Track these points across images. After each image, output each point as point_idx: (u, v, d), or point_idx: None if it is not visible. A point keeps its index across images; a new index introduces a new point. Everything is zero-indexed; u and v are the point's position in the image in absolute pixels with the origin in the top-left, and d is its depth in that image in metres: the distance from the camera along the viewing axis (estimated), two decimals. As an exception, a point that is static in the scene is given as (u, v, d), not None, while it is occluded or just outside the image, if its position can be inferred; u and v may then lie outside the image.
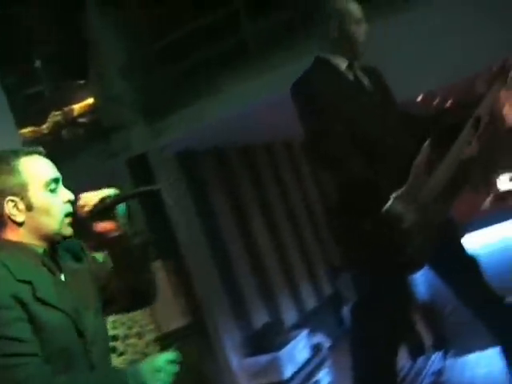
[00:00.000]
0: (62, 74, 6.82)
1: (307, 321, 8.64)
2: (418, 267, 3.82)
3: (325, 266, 9.97)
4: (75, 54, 6.65)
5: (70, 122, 7.12)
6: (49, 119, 7.19)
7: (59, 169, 2.24)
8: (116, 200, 2.09)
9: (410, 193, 3.63)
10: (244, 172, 8.76)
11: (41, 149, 2.19)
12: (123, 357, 4.07)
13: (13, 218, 2.13)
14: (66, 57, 6.80)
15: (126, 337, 4.15)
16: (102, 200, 2.10)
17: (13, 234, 2.16)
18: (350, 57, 3.88)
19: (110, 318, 3.98)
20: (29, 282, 2.05)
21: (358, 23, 3.82)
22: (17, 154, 2.15)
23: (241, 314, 7.76)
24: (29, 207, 2.14)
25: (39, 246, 2.18)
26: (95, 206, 2.09)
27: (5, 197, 2.13)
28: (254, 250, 8.48)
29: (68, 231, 2.17)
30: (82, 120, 7.16)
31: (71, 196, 2.16)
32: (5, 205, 2.14)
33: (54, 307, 2.09)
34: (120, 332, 4.14)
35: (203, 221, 7.37)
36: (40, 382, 1.99)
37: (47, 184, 2.14)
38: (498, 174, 11.75)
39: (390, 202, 3.53)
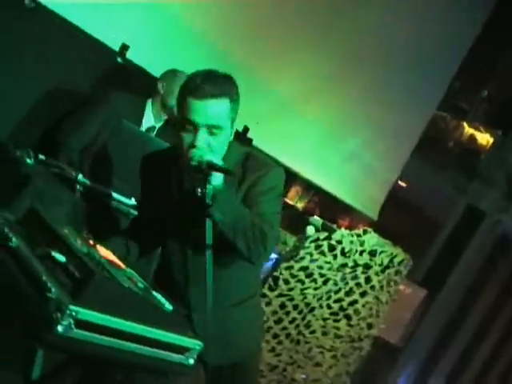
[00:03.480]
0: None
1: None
2: None
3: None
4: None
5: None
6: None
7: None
8: (209, 166, 2.12)
9: None
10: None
11: (215, 92, 2.19)
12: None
13: None
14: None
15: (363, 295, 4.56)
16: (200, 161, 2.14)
17: None
18: None
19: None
20: None
21: None
22: (195, 86, 2.19)
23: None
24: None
25: None
26: (198, 162, 2.14)
27: None
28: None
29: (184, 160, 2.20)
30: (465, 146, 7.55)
31: (195, 143, 2.17)
32: None
33: None
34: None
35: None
36: None
37: (182, 122, 2.21)
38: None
39: None
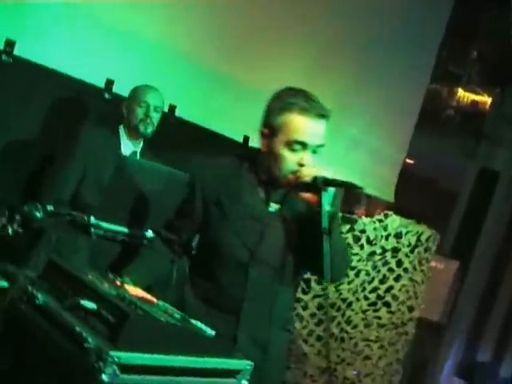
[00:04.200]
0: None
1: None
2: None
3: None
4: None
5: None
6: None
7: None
8: (326, 182, 2.13)
9: None
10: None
11: (324, 112, 2.19)
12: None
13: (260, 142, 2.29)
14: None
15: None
16: (315, 177, 2.13)
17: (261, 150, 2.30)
18: None
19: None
20: None
21: None
22: (305, 107, 2.17)
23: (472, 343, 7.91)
24: (270, 146, 2.24)
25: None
26: (314, 178, 2.14)
27: (267, 125, 2.25)
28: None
29: (285, 183, 2.23)
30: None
31: (305, 162, 2.18)
32: (262, 129, 2.28)
33: None
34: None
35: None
36: None
37: (290, 142, 2.18)
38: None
39: None
